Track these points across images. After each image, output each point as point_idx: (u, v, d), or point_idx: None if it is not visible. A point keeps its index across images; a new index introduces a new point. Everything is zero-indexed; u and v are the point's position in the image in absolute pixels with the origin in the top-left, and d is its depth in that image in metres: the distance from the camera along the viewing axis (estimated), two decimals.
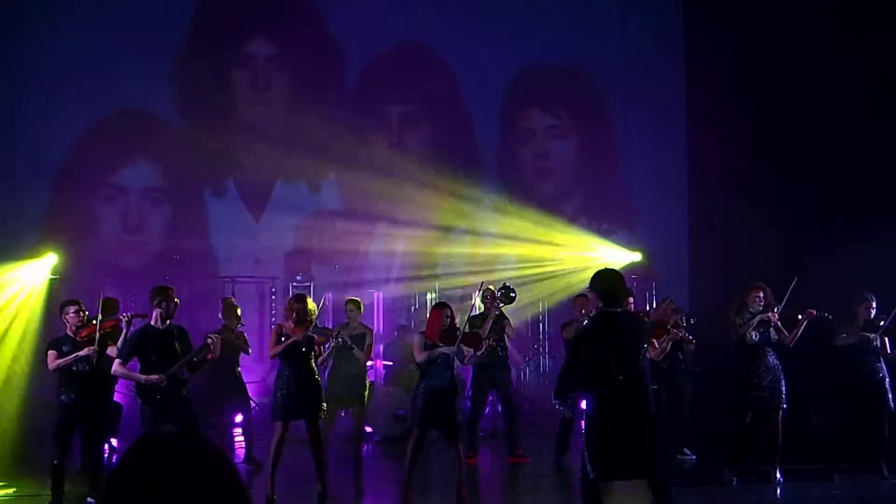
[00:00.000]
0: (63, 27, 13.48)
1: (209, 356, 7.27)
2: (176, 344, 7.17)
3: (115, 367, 7.16)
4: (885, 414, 8.49)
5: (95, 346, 7.31)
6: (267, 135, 14.77)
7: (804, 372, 8.81)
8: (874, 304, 8.57)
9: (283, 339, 7.66)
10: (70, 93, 13.35)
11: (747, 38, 12.34)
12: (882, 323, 8.48)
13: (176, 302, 7.34)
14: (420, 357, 7.64)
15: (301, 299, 7.97)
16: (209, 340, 7.22)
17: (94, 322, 7.41)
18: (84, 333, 7.39)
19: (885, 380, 8.51)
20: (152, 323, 7.25)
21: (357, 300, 9.83)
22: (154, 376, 6.98)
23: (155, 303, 7.23)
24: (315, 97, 14.52)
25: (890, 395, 8.50)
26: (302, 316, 7.68)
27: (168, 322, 7.23)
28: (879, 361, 8.55)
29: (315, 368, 7.83)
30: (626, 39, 14.82)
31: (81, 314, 7.54)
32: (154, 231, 14.24)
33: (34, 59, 13.44)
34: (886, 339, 8.56)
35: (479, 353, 7.88)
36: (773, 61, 12.03)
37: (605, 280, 5.82)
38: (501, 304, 9.21)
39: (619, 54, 14.89)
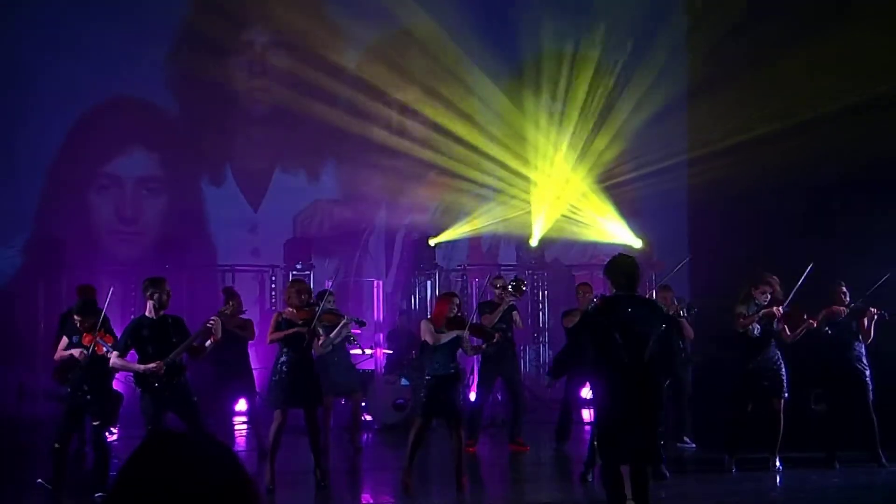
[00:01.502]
0: (55, 12, 13.59)
1: (210, 339, 7.58)
2: (171, 333, 7.48)
3: (113, 359, 7.44)
4: (868, 402, 8.77)
5: (87, 353, 7.46)
6: (265, 122, 14.97)
7: (803, 359, 9.05)
8: (845, 289, 8.86)
9: (284, 325, 7.94)
10: (63, 80, 13.51)
11: (751, 24, 12.65)
12: (852, 304, 8.75)
13: (168, 292, 7.59)
14: (434, 339, 7.78)
15: (300, 282, 8.30)
16: (209, 324, 7.52)
17: (93, 334, 7.51)
18: (87, 340, 7.54)
19: (865, 368, 8.80)
20: (147, 314, 7.56)
21: (331, 291, 10.19)
22: (152, 364, 7.30)
23: (147, 294, 7.54)
24: (314, 84, 14.62)
25: (870, 384, 8.78)
26: (306, 299, 8.02)
27: (161, 312, 7.53)
28: (858, 350, 8.82)
29: (312, 357, 8.11)
30: (629, 22, 14.93)
31: (84, 323, 7.60)
32: (150, 221, 14.37)
33: (25, 45, 13.58)
34: (865, 319, 8.79)
35: (486, 345, 8.23)
36: (774, 49, 12.30)
37: (618, 266, 6.14)
38: (513, 297, 9.58)
39: (624, 39, 14.99)
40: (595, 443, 6.01)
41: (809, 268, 8.34)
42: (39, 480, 7.61)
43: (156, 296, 7.49)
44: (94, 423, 7.61)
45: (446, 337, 7.78)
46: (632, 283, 6.12)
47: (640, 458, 5.91)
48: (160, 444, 1.73)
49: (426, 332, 7.94)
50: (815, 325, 8.60)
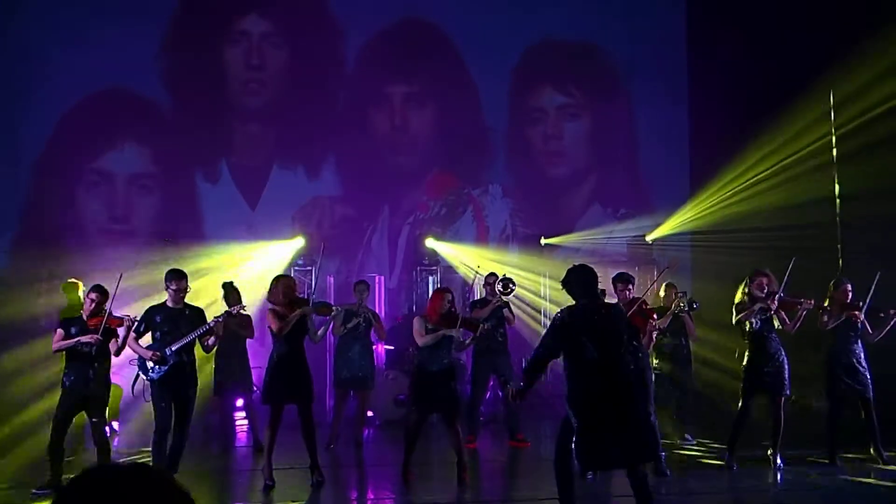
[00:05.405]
0: (44, 2, 14.39)
1: (212, 338, 8.66)
2: (183, 324, 8.55)
3: (130, 340, 8.55)
4: (869, 402, 9.61)
5: (99, 336, 8.51)
6: (262, 116, 15.64)
7: (804, 356, 9.92)
8: (850, 287, 9.75)
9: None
10: (50, 71, 14.27)
11: (752, 13, 13.48)
12: (861, 304, 9.60)
13: (184, 288, 8.64)
14: (422, 340, 8.79)
15: (285, 277, 9.18)
16: (212, 323, 8.62)
17: (103, 314, 8.58)
18: (93, 322, 8.56)
19: (866, 370, 9.65)
20: (167, 302, 8.66)
21: (366, 282, 11.25)
22: (149, 353, 8.44)
23: (165, 285, 8.70)
24: (312, 76, 15.44)
25: (870, 384, 9.62)
26: (292, 294, 8.85)
27: (181, 303, 8.62)
28: (859, 347, 9.69)
29: (304, 353, 8.94)
30: (634, 12, 15.60)
31: (94, 304, 8.63)
32: (142, 219, 15.11)
33: (11, 35, 14.36)
34: (867, 320, 9.71)
35: (474, 337, 9.16)
36: (777, 37, 13.10)
37: (579, 275, 6.78)
38: (501, 295, 10.67)
39: (629, 27, 15.65)
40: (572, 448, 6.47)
41: (792, 261, 9.20)
42: (34, 491, 8.32)
43: (170, 288, 8.57)
44: (93, 420, 8.49)
45: (431, 338, 8.73)
46: (594, 291, 6.78)
47: (632, 459, 6.41)
48: (97, 480, 1.75)
49: (416, 331, 8.90)
50: (812, 304, 9.36)
